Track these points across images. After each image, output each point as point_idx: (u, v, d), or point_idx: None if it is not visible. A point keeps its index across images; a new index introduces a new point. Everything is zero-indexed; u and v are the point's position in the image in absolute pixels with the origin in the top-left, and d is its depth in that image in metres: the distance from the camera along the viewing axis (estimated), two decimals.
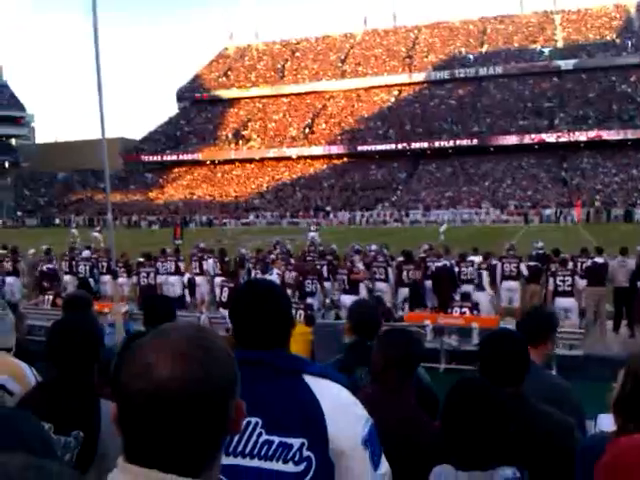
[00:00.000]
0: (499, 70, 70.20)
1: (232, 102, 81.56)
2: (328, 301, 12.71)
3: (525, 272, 12.01)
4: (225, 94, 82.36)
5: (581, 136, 57.40)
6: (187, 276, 13.53)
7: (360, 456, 1.53)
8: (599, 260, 11.53)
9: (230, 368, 0.95)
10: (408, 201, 55.72)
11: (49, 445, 1.28)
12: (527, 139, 59.24)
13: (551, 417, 2.21)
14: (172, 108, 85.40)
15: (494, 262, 12.47)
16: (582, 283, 11.17)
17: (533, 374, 2.29)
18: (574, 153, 57.62)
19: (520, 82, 68.31)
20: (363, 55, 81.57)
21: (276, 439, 1.52)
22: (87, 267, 14.51)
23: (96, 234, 29.61)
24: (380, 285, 12.48)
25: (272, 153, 69.83)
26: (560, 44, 72.01)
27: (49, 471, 0.78)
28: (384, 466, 1.60)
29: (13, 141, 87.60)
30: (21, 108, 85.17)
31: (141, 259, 14.51)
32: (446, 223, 38.36)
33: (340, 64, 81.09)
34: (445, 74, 72.80)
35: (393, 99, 73.60)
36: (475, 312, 10.26)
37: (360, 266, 12.39)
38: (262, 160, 70.54)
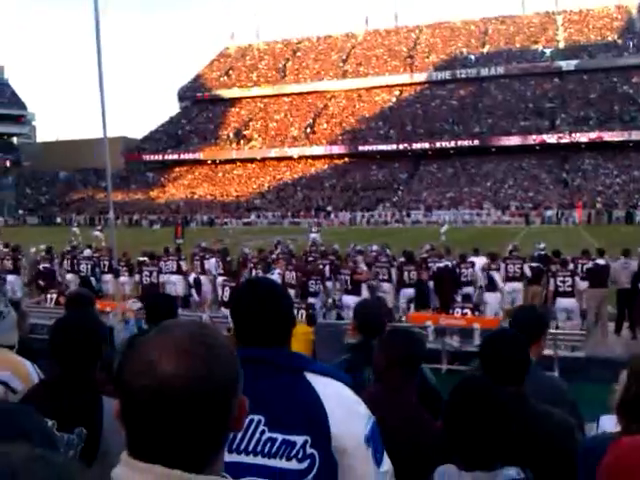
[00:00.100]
0: (500, 70, 70.20)
1: (233, 102, 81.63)
2: (330, 301, 12.71)
3: (528, 273, 12.01)
4: (226, 94, 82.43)
5: (582, 137, 57.39)
6: (193, 276, 13.52)
7: (363, 454, 1.54)
8: (600, 262, 11.52)
9: (233, 365, 0.96)
10: (409, 201, 55.75)
11: (52, 440, 1.28)
12: (528, 140, 59.24)
13: (552, 417, 2.21)
14: (173, 107, 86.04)
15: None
16: (583, 285, 11.17)
17: (530, 374, 2.30)
18: (575, 154, 57.61)
19: (521, 83, 68.31)
20: (364, 55, 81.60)
21: (279, 436, 1.52)
22: (89, 266, 14.53)
23: (97, 233, 29.58)
24: (383, 285, 12.51)
25: (273, 153, 69.89)
26: (562, 45, 72.00)
27: (55, 462, 0.76)
28: (386, 464, 1.61)
29: (14, 140, 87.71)
30: (22, 107, 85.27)
31: (142, 258, 14.52)
32: (447, 224, 38.33)
33: (341, 64, 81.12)
34: (446, 74, 72.81)
35: (394, 99, 73.62)
36: (477, 313, 10.27)
37: (363, 267, 12.41)
38: (263, 160, 70.58)
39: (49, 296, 11.99)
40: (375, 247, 16.77)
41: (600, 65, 65.86)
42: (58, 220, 61.26)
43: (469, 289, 12.27)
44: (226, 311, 9.97)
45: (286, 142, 70.58)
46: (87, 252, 15.86)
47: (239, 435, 1.52)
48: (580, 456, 2.02)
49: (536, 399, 2.24)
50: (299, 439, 1.51)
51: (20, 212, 67.36)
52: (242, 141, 73.07)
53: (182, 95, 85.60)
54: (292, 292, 11.09)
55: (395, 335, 2.48)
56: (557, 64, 68.13)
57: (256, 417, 1.52)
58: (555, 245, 14.91)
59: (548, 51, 70.19)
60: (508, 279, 12.10)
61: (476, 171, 59.51)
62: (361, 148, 65.81)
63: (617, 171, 54.07)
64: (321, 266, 12.99)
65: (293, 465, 1.50)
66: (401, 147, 64.16)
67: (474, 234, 33.36)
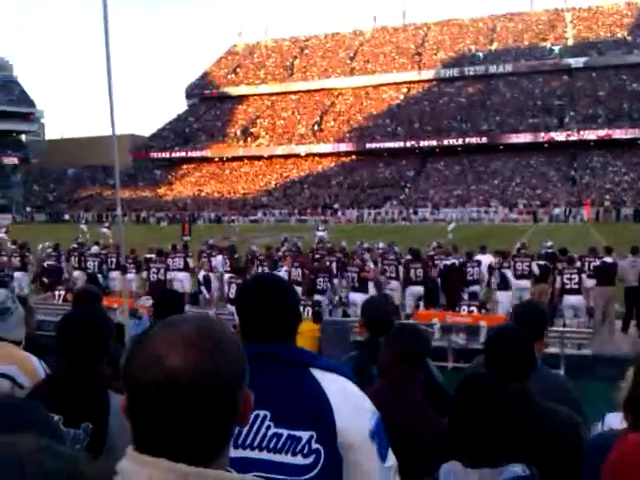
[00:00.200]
0: (509, 68, 69.89)
1: (241, 99, 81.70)
2: (337, 298, 12.72)
3: (537, 271, 12.00)
4: (234, 91, 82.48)
5: (591, 135, 57.08)
6: (202, 273, 13.56)
7: (368, 449, 1.54)
8: (608, 260, 11.48)
9: (240, 359, 0.96)
10: (416, 199, 55.65)
11: (58, 435, 1.29)
12: (537, 138, 58.99)
13: (557, 414, 2.21)
14: (181, 105, 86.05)
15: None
16: (590, 283, 11.13)
17: (535, 371, 2.30)
18: (584, 152, 57.32)
19: (530, 80, 67.99)
20: (372, 52, 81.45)
21: (285, 432, 1.52)
22: (96, 263, 14.59)
23: (105, 230, 29.80)
24: (391, 283, 12.50)
25: (280, 150, 69.90)
26: (570, 42, 71.60)
27: (61, 453, 0.76)
28: (391, 459, 1.61)
29: (23, 137, 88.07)
30: (31, 104, 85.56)
31: (149, 255, 14.58)
32: (454, 222, 38.27)
33: (349, 61, 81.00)
34: (454, 72, 72.56)
35: (402, 97, 73.46)
36: (483, 311, 10.26)
37: (371, 265, 12.41)
38: (270, 157, 70.63)
39: (57, 293, 12.08)
40: (382, 245, 16.76)
41: (609, 62, 65.44)
42: (66, 217, 61.55)
43: (476, 287, 12.25)
44: (232, 308, 9.99)
45: (293, 140, 70.58)
46: (94, 249, 15.93)
47: (245, 430, 1.52)
48: (586, 453, 2.01)
49: (541, 396, 2.24)
50: (305, 434, 1.52)
51: (28, 209, 67.63)
52: (249, 139, 73.13)
53: (190, 92, 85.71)
54: (299, 289, 11.10)
55: (401, 332, 2.48)
56: (566, 61, 67.77)
57: (262, 412, 1.53)
58: (563, 243, 14.86)
59: (557, 48, 69.83)
60: (517, 277, 12.09)
61: (484, 169, 59.32)
62: (368, 146, 65.72)
63: (625, 169, 53.77)
64: (328, 263, 13.00)
65: (298, 460, 1.51)
66: (408, 145, 64.02)
67: (481, 232, 33.27)
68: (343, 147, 67.24)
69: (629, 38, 67.88)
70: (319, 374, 1.59)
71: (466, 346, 9.50)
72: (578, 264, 11.57)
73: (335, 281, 12.60)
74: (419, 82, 74.39)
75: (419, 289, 12.18)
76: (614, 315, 11.22)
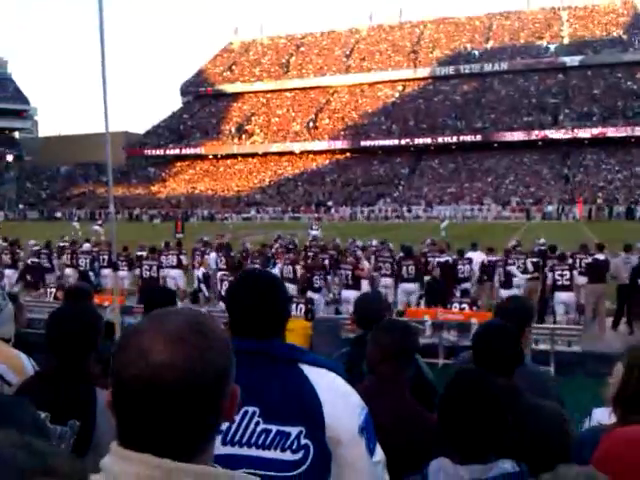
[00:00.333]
0: (504, 66, 70.01)
1: (236, 96, 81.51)
2: (330, 296, 12.71)
3: (531, 268, 12.05)
4: (229, 88, 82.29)
5: (585, 133, 57.25)
6: (202, 270, 13.52)
7: (357, 444, 1.54)
8: (600, 257, 11.51)
9: (226, 353, 0.95)
10: (410, 197, 55.71)
11: (44, 432, 1.28)
12: (531, 135, 59.13)
13: (544, 409, 2.22)
14: (176, 102, 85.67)
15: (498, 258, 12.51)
16: (582, 280, 11.16)
17: (520, 367, 2.32)
18: (577, 149, 57.52)
19: (525, 78, 68.14)
20: (368, 50, 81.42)
21: (274, 428, 1.52)
22: (87, 260, 14.55)
23: (97, 227, 29.72)
24: (385, 280, 12.51)
25: (275, 148, 69.82)
26: (566, 40, 71.76)
27: (41, 451, 0.76)
28: (379, 454, 1.62)
29: (16, 134, 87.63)
30: (25, 101, 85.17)
31: (140, 252, 14.54)
32: (447, 219, 38.33)
33: (345, 59, 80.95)
34: (450, 70, 72.64)
35: (397, 94, 73.48)
36: (474, 308, 10.30)
37: (365, 263, 12.41)
38: (265, 155, 70.53)
39: (48, 290, 12.04)
40: (375, 242, 16.78)
41: (604, 61, 65.63)
42: (58, 215, 61.28)
43: (467, 284, 12.29)
44: (224, 305, 9.97)
45: (288, 137, 70.49)
46: (86, 246, 15.88)
47: (234, 427, 1.51)
48: (574, 448, 2.02)
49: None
50: (294, 430, 1.51)
51: (20, 207, 67.33)
52: (244, 136, 73.00)
53: (185, 90, 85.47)
54: (292, 287, 11.07)
55: (387, 327, 2.47)
56: (561, 60, 67.94)
57: (251, 409, 1.52)
58: (555, 241, 14.89)
59: (552, 47, 69.98)
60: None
61: (477, 166, 59.44)
62: (363, 143, 65.73)
63: (618, 167, 53.98)
64: (321, 259, 13.01)
65: (287, 456, 1.50)
66: (403, 142, 64.07)
67: (474, 229, 33.34)
68: (338, 145, 67.23)
69: (624, 37, 68.08)
70: (308, 369, 1.59)
71: (457, 343, 9.53)
72: (569, 261, 11.61)
73: (328, 278, 12.61)
74: (415, 80, 74.43)
75: (411, 286, 12.17)
76: (605, 312, 11.26)
